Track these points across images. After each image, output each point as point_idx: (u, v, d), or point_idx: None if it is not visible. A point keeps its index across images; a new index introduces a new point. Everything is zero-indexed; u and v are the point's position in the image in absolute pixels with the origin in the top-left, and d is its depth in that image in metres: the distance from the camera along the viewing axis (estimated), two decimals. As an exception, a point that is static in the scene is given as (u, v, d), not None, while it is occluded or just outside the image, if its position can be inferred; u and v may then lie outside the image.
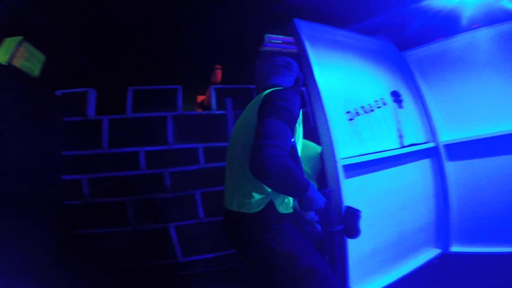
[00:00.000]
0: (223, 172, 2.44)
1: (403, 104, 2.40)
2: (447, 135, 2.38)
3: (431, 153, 2.39)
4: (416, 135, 2.36)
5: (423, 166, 2.35)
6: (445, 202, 2.33)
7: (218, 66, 3.35)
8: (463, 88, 2.37)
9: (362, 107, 2.08)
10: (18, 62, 2.27)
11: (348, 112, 1.96)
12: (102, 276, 2.23)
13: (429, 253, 2.28)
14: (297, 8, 2.55)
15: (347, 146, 1.77)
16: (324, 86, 1.87)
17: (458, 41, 2.41)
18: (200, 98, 4.28)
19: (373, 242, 1.88)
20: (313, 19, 2.26)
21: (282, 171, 0.86)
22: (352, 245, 1.68)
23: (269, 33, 2.99)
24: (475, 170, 2.27)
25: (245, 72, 3.30)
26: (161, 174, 2.34)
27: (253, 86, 2.85)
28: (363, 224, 1.71)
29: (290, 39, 3.06)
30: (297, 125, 1.08)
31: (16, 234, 1.79)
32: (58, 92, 2.47)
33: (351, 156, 1.73)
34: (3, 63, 2.14)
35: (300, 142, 1.18)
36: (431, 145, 2.36)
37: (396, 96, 2.40)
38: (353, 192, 1.69)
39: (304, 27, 2.09)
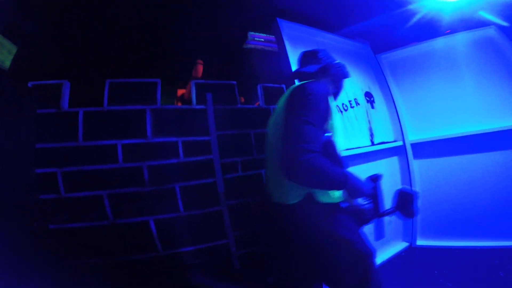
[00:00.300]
0: (202, 166, 2.51)
1: (375, 104, 2.55)
2: (414, 134, 2.57)
3: (399, 151, 2.57)
4: (386, 134, 2.52)
5: (392, 163, 2.53)
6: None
7: (199, 61, 3.33)
8: (430, 90, 2.55)
9: (337, 106, 2.19)
10: None
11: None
12: (80, 272, 2.17)
13: (397, 246, 2.46)
14: (280, 9, 2.60)
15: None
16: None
17: (429, 46, 2.60)
18: (180, 92, 4.24)
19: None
20: (296, 20, 2.33)
21: (311, 174, 0.88)
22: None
23: (252, 31, 3.01)
24: (439, 168, 2.47)
25: (226, 68, 3.31)
26: (140, 167, 2.32)
27: (234, 82, 2.87)
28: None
29: (272, 37, 3.10)
30: (329, 117, 1.04)
31: None
32: (30, 84, 2.35)
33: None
34: None
35: (337, 132, 1.16)
36: (399, 143, 2.54)
37: (369, 96, 2.54)
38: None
39: (286, 27, 2.17)
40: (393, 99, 2.63)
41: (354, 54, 2.71)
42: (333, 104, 2.04)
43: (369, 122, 2.40)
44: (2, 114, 2.03)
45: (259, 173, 2.72)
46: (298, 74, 1.36)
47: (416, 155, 2.52)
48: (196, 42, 3.38)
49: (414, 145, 2.52)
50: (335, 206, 1.09)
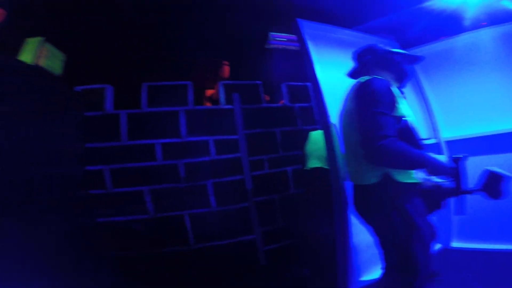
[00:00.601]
0: (231, 164, 2.63)
1: (406, 101, 2.47)
2: (448, 131, 2.46)
3: (432, 149, 2.47)
4: (420, 132, 2.43)
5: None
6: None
7: (225, 62, 3.46)
8: (465, 86, 2.41)
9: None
10: (42, 62, 2.43)
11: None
12: (120, 263, 2.38)
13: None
14: (301, 8, 2.62)
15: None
16: (327, 84, 1.95)
17: (461, 40, 2.44)
18: (208, 92, 4.43)
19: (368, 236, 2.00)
20: (317, 19, 2.34)
21: (391, 156, 1.00)
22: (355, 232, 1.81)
23: (273, 31, 3.06)
24: (476, 167, 2.33)
25: (251, 68, 3.40)
26: (176, 165, 2.51)
27: (259, 82, 2.96)
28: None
29: (293, 37, 3.12)
30: (396, 103, 1.11)
31: (44, 223, 1.88)
32: (78, 89, 2.61)
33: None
34: (29, 63, 2.29)
35: (411, 114, 1.26)
36: (432, 141, 2.44)
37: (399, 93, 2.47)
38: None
39: (307, 26, 2.17)
40: (424, 95, 2.53)
41: None
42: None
43: (399, 119, 2.34)
44: (56, 117, 2.29)
45: (285, 171, 2.80)
46: (356, 72, 1.44)
47: (452, 154, 2.41)
48: (221, 44, 3.52)
49: (449, 143, 2.41)
50: (412, 186, 1.15)
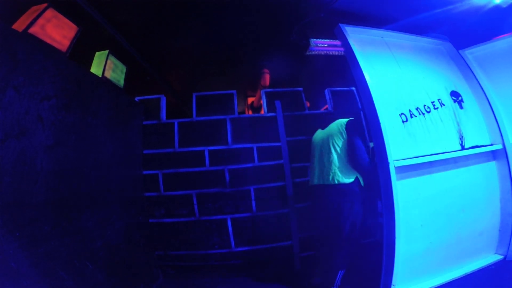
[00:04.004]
0: (273, 170, 2.66)
1: (464, 104, 2.28)
2: (517, 136, 2.19)
3: (498, 155, 2.23)
4: (480, 137, 2.22)
5: (488, 169, 2.21)
6: (512, 207, 2.16)
7: (266, 70, 3.55)
8: None
9: (417, 108, 2.07)
10: (108, 74, 2.69)
11: (401, 114, 1.98)
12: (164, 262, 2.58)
13: (488, 258, 2.15)
14: (341, 13, 2.60)
15: (401, 147, 1.81)
16: (375, 88, 1.92)
17: None
18: (250, 100, 4.58)
19: (426, 242, 1.88)
20: (359, 22, 2.30)
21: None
22: (402, 242, 1.73)
23: (314, 38, 3.08)
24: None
25: (292, 76, 3.44)
26: (222, 170, 2.65)
27: (301, 89, 2.99)
28: (416, 223, 1.72)
29: (335, 42, 3.10)
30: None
31: (104, 221, 2.01)
32: (137, 99, 2.90)
33: (405, 158, 1.76)
34: (99, 75, 2.54)
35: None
36: (498, 147, 2.20)
37: (456, 96, 2.29)
38: (406, 193, 1.73)
39: (351, 31, 2.16)
40: (486, 97, 2.28)
41: (432, 51, 2.46)
42: (413, 106, 1.97)
43: (458, 124, 2.15)
44: (121, 125, 2.54)
45: (329, 178, 2.73)
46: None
47: (522, 160, 2.14)
48: (261, 53, 3.64)
49: (518, 149, 2.14)
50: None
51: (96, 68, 2.67)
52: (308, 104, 3.46)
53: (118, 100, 2.47)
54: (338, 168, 1.96)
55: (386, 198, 1.68)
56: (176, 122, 2.80)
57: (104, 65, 2.67)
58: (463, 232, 2.04)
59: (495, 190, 2.20)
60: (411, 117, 2.00)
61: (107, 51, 2.74)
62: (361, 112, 2.90)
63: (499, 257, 2.16)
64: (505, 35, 2.34)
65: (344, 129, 2.00)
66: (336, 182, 1.94)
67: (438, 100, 2.20)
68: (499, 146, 2.20)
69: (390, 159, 1.67)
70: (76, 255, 1.63)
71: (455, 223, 2.00)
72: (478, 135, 2.22)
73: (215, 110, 2.86)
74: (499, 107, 2.27)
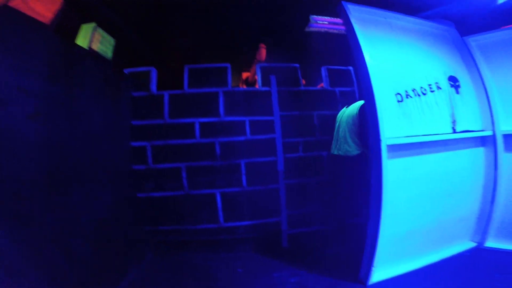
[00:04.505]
0: (265, 144, 2.65)
1: (460, 89, 2.27)
2: (508, 124, 2.22)
3: (486, 142, 2.27)
4: (472, 122, 2.24)
5: (476, 154, 2.25)
6: (493, 194, 2.22)
7: (262, 44, 3.42)
8: None
9: (414, 89, 2.04)
10: (95, 46, 2.61)
11: (397, 94, 1.95)
12: (153, 237, 2.57)
13: (463, 245, 2.25)
14: None
15: (394, 127, 1.80)
16: (373, 67, 1.87)
17: None
18: (244, 75, 4.45)
19: (409, 225, 1.94)
20: (363, 2, 2.19)
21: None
22: (387, 224, 1.77)
23: (314, 15, 2.94)
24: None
25: (289, 51, 3.33)
26: (213, 143, 2.61)
27: (297, 65, 2.89)
28: (402, 205, 1.75)
29: (336, 20, 2.97)
30: None
31: (90, 195, 1.95)
32: (126, 71, 2.79)
33: (397, 136, 1.76)
34: (85, 48, 2.45)
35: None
36: (488, 133, 2.23)
37: (453, 81, 2.27)
38: (395, 172, 1.74)
39: (353, 10, 2.07)
40: (484, 85, 2.27)
41: (436, 36, 2.40)
42: (410, 87, 1.94)
43: (452, 108, 2.15)
44: (109, 97, 2.45)
45: (320, 155, 2.76)
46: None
47: (509, 148, 2.18)
48: (259, 27, 3.46)
49: (508, 136, 2.17)
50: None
51: (82, 40, 2.59)
52: (304, 82, 3.39)
53: (107, 72, 2.38)
54: (349, 143, 2.34)
55: (375, 177, 1.69)
56: (166, 93, 2.69)
57: (90, 37, 2.59)
58: (444, 218, 2.11)
59: (480, 177, 2.26)
60: (407, 97, 1.97)
61: (93, 24, 2.64)
62: (356, 91, 2.86)
63: (473, 244, 2.27)
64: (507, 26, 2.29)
65: (357, 111, 2.28)
66: (348, 154, 2.35)
67: (436, 83, 2.17)
68: (489, 133, 2.23)
69: (382, 137, 1.66)
70: (62, 231, 1.61)
71: (438, 208, 2.06)
72: (471, 120, 2.23)
73: (208, 83, 2.76)
74: (495, 95, 2.27)
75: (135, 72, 2.83)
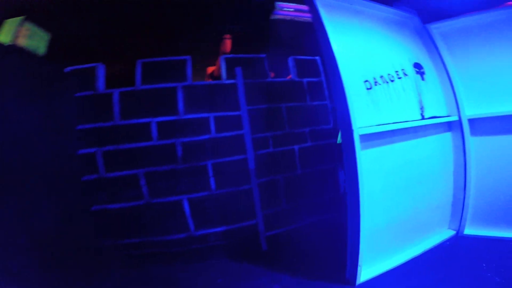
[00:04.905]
0: (233, 142, 2.46)
1: (425, 76, 2.26)
2: (472, 109, 2.24)
3: (453, 127, 2.27)
4: (438, 108, 2.23)
5: (444, 140, 2.26)
6: (464, 180, 2.23)
7: (227, 35, 3.20)
8: (492, 64, 2.19)
9: (381, 76, 1.96)
10: (22, 41, 2.28)
11: (366, 81, 1.84)
12: (117, 252, 2.32)
13: (442, 234, 2.24)
14: None
15: (364, 115, 1.69)
16: (341, 54, 1.76)
17: (489, 17, 2.20)
18: (210, 69, 4.18)
19: (387, 216, 1.86)
20: None
21: None
22: (367, 218, 1.66)
23: (280, 1, 2.78)
24: (499, 147, 2.15)
25: (256, 42, 3.15)
26: (173, 144, 2.34)
27: (264, 55, 2.72)
28: (379, 197, 1.65)
29: (302, 6, 2.84)
30: None
31: (30, 209, 1.78)
32: (67, 69, 2.42)
33: (369, 125, 1.65)
34: (5, 43, 2.14)
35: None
36: (454, 118, 2.24)
37: (418, 68, 2.25)
38: (370, 163, 1.64)
39: None
40: (446, 71, 2.29)
41: (399, 23, 2.39)
42: (378, 74, 1.85)
43: (419, 94, 2.11)
44: (44, 97, 2.12)
45: (291, 149, 2.63)
46: None
47: (474, 132, 2.20)
48: (223, 17, 3.23)
49: (472, 121, 2.19)
50: None
51: (4, 36, 2.24)
52: (272, 74, 3.23)
53: (39, 70, 2.13)
54: None
55: (349, 169, 1.57)
56: (116, 91, 2.37)
57: (14, 32, 2.27)
58: (421, 206, 2.08)
59: (450, 163, 2.26)
60: (375, 84, 1.89)
61: (19, 18, 2.32)
62: (323, 81, 2.77)
63: (452, 232, 2.26)
64: (470, 13, 2.32)
65: None
66: None
67: (402, 70, 2.12)
68: (455, 118, 2.24)
69: (354, 127, 1.54)
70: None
71: (413, 196, 2.02)
72: (437, 106, 2.22)
73: (165, 78, 2.47)
74: (458, 81, 2.29)
75: (79, 69, 2.46)
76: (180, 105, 2.39)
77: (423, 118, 2.05)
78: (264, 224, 2.50)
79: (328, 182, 2.77)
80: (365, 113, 1.69)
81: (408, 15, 2.46)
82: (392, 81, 2.00)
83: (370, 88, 1.82)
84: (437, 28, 2.42)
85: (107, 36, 3.24)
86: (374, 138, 1.67)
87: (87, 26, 3.00)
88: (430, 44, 2.39)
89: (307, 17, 2.83)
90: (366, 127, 1.62)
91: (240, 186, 2.49)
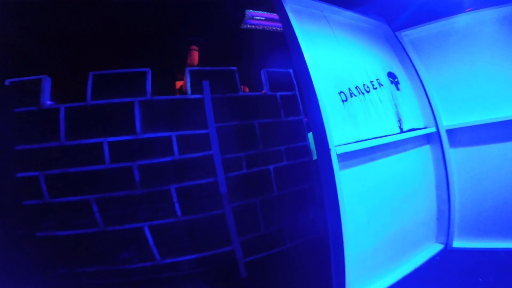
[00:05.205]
0: (200, 164, 2.21)
1: (400, 86, 2.17)
2: (450, 119, 2.17)
3: (432, 139, 2.18)
4: (416, 120, 2.14)
5: (424, 153, 2.15)
6: (447, 192, 2.14)
7: (194, 47, 2.99)
8: (465, 70, 2.17)
9: (357, 87, 1.83)
10: None
11: (341, 92, 1.69)
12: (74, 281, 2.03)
13: (431, 249, 2.11)
14: None
15: (341, 131, 1.52)
16: (313, 64, 1.62)
17: (458, 22, 2.20)
18: (179, 84, 3.93)
19: (374, 240, 1.67)
20: None
21: None
22: (351, 244, 1.45)
23: (250, 9, 2.65)
24: (480, 157, 2.09)
25: (225, 53, 2.97)
26: (129, 168, 2.03)
27: (234, 68, 2.53)
28: (363, 220, 1.47)
29: (274, 15, 2.73)
30: None
31: None
32: (7, 82, 2.14)
33: (347, 143, 1.47)
34: None
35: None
36: (431, 130, 2.15)
37: (392, 77, 2.16)
38: (350, 185, 1.44)
39: (290, 1, 1.82)
40: (420, 80, 2.23)
41: (370, 31, 2.34)
42: (353, 85, 1.71)
43: (396, 106, 2.01)
44: None
45: (267, 170, 2.40)
46: None
47: (453, 143, 2.12)
48: (190, 26, 3.04)
49: (451, 132, 2.12)
50: None
51: None
52: (247, 90, 3.04)
53: None
54: None
55: (328, 192, 1.36)
56: (62, 107, 2.06)
57: None
58: (407, 224, 1.94)
59: (431, 176, 2.16)
60: (351, 96, 1.74)
61: None
62: (297, 94, 2.62)
63: (440, 246, 2.15)
64: (438, 19, 2.32)
65: None
66: None
67: (377, 80, 2.01)
68: (433, 129, 2.15)
69: (331, 145, 1.35)
70: None
71: (399, 215, 1.87)
72: (414, 117, 2.13)
73: (121, 93, 2.19)
74: (433, 90, 2.23)
75: (21, 82, 2.15)
76: (138, 123, 2.09)
77: (401, 131, 1.93)
78: (242, 249, 2.27)
79: (307, 202, 2.56)
80: (341, 128, 1.52)
81: (378, 23, 2.42)
82: (368, 92, 1.87)
83: (345, 100, 1.67)
84: (407, 36, 2.39)
85: (55, 45, 2.92)
86: (353, 157, 1.50)
87: (31, 33, 2.67)
88: (401, 52, 2.34)
89: (278, 26, 2.71)
90: (345, 144, 1.44)
91: (211, 211, 2.22)
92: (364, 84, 1.88)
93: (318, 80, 1.54)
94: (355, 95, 1.75)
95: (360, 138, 1.58)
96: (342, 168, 1.40)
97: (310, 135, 2.66)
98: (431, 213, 2.09)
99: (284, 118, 2.52)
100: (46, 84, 2.15)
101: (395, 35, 2.41)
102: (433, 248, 2.11)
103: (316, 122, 1.39)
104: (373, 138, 1.64)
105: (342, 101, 1.65)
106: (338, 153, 1.34)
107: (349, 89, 1.74)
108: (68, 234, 2.00)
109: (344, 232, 1.37)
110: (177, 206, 2.12)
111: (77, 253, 2.07)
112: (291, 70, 2.76)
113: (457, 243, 2.13)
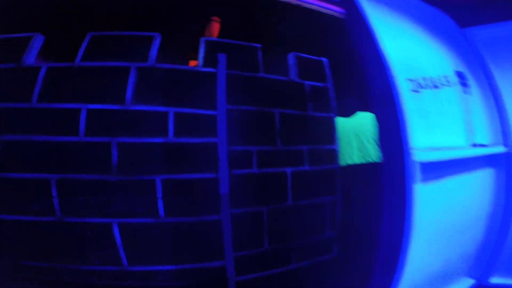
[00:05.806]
0: (199, 152, 1.82)
1: (470, 89, 1.74)
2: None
3: (496, 161, 1.73)
4: (485, 133, 1.69)
5: (489, 177, 1.71)
6: (503, 224, 1.77)
7: (215, 18, 2.66)
8: None
9: (426, 79, 1.38)
10: None
11: (410, 80, 1.25)
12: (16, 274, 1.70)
13: (460, 285, 1.74)
14: None
15: (416, 132, 1.06)
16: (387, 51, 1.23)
17: None
18: (192, 64, 3.64)
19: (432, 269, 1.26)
20: None
21: None
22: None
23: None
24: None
25: (249, 28, 2.63)
26: (107, 144, 1.63)
27: (258, 45, 2.15)
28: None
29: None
30: None
31: None
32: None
33: (425, 147, 1.03)
34: None
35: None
36: (500, 149, 1.70)
37: (461, 78, 1.72)
38: (427, 203, 1.01)
39: None
40: (493, 87, 1.82)
41: (435, 23, 1.99)
42: (422, 75, 1.31)
43: (466, 112, 1.57)
44: None
45: (283, 172, 2.00)
46: None
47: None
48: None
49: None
50: None
51: None
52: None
53: None
54: None
55: (393, 209, 0.91)
56: (44, 66, 1.75)
57: None
58: (453, 256, 1.55)
59: (489, 204, 1.73)
60: (422, 87, 1.30)
61: None
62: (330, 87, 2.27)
63: (471, 281, 1.80)
64: None
65: None
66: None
67: (445, 76, 1.60)
68: (502, 149, 1.70)
69: (409, 148, 0.89)
70: None
71: (455, 245, 1.50)
72: (485, 131, 1.69)
73: (119, 57, 1.85)
74: (508, 100, 1.80)
75: (9, 39, 1.95)
76: (129, 90, 1.69)
77: (474, 144, 1.47)
78: (236, 265, 1.92)
79: (326, 219, 2.17)
80: (415, 128, 1.07)
81: (445, 16, 2.04)
82: (437, 87, 1.42)
83: (416, 91, 1.22)
84: (478, 34, 2.01)
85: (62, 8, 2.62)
86: (434, 168, 1.04)
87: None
88: (471, 51, 1.93)
89: (317, 5, 2.34)
90: (423, 150, 0.98)
91: (204, 215, 1.83)
92: (433, 77, 1.44)
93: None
94: (426, 88, 1.31)
95: (434, 144, 1.13)
96: (423, 180, 0.94)
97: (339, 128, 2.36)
98: (476, 245, 1.72)
99: (312, 113, 2.13)
100: (36, 42, 1.89)
101: (462, 31, 2.04)
102: (463, 284, 1.75)
103: (387, 114, 0.94)
104: (449, 148, 1.18)
105: (413, 90, 1.19)
106: (419, 160, 0.88)
107: (421, 79, 1.29)
108: (15, 220, 1.61)
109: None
110: (160, 203, 1.72)
111: (27, 244, 1.69)
112: (324, 59, 2.39)
113: (496, 279, 1.81)
